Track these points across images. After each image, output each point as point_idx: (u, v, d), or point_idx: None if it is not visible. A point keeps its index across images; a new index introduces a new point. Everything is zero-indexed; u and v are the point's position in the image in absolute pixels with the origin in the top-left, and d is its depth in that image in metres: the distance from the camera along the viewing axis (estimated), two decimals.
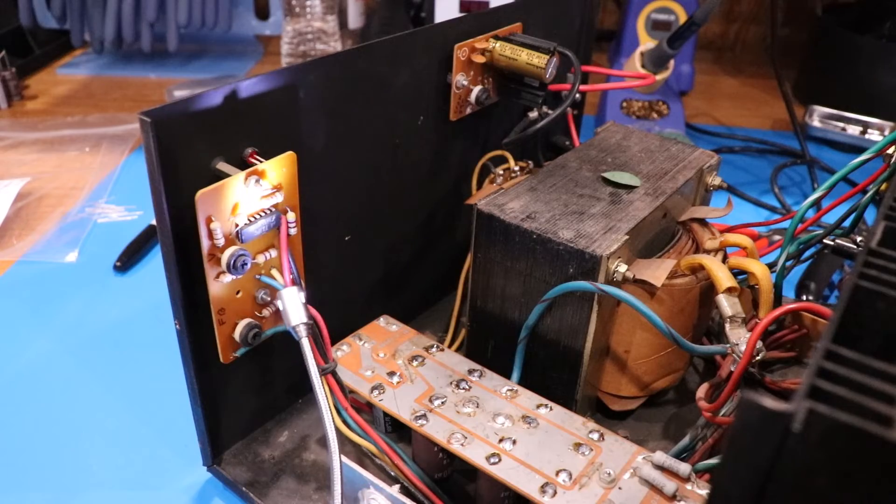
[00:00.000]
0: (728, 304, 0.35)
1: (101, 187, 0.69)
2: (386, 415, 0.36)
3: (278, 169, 0.31)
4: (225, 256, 0.30)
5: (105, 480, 0.39)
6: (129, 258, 0.58)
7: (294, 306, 0.31)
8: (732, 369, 0.33)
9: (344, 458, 0.33)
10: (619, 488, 0.31)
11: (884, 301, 0.23)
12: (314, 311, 0.33)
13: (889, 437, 0.15)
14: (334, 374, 0.33)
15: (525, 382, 0.37)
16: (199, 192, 0.29)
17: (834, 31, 0.87)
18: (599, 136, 0.46)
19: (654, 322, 0.34)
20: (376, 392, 0.36)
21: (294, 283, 0.32)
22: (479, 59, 0.42)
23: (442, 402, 0.35)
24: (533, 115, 0.46)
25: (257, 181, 0.30)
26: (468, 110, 0.43)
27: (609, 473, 0.31)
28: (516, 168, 0.45)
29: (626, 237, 0.35)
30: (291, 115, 0.33)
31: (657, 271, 0.35)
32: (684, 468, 0.31)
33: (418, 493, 0.34)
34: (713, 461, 0.33)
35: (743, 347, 0.33)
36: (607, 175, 0.40)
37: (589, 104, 0.85)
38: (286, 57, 0.94)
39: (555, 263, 0.35)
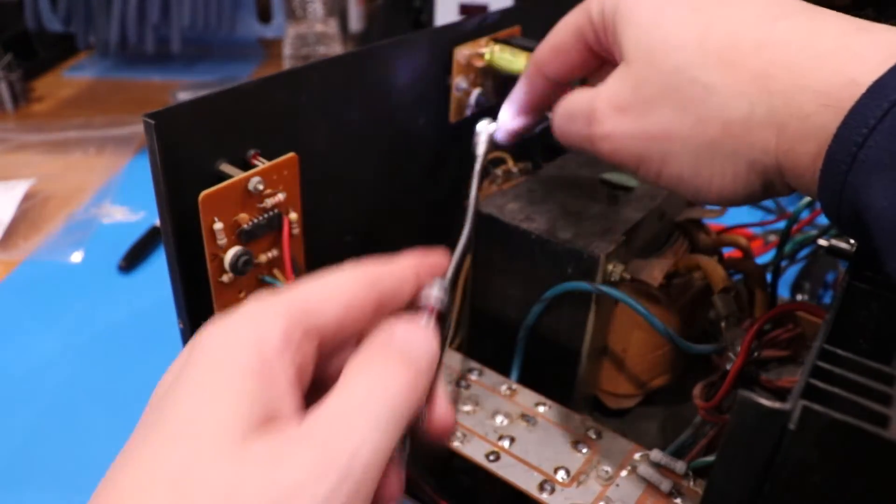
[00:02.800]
0: (724, 304, 0.36)
1: (105, 188, 0.70)
2: None
3: (280, 170, 0.32)
4: (228, 257, 0.31)
5: None
6: (134, 258, 0.58)
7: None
8: (728, 368, 0.34)
9: None
10: (617, 485, 0.31)
11: (877, 301, 0.23)
12: None
13: (883, 435, 0.16)
14: None
15: (524, 381, 0.37)
16: (203, 194, 0.29)
17: None
18: None
19: (651, 322, 0.34)
20: None
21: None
22: (479, 61, 0.42)
23: None
24: None
25: (260, 182, 0.31)
26: (468, 112, 0.44)
27: (607, 471, 0.32)
28: (515, 169, 0.45)
29: (624, 238, 0.35)
30: (293, 117, 0.34)
31: (654, 271, 0.36)
32: (681, 466, 0.32)
33: (418, 490, 0.34)
34: (709, 458, 0.33)
35: (738, 347, 0.34)
36: (605, 176, 0.40)
37: None
38: (288, 59, 0.95)
39: (553, 264, 0.36)
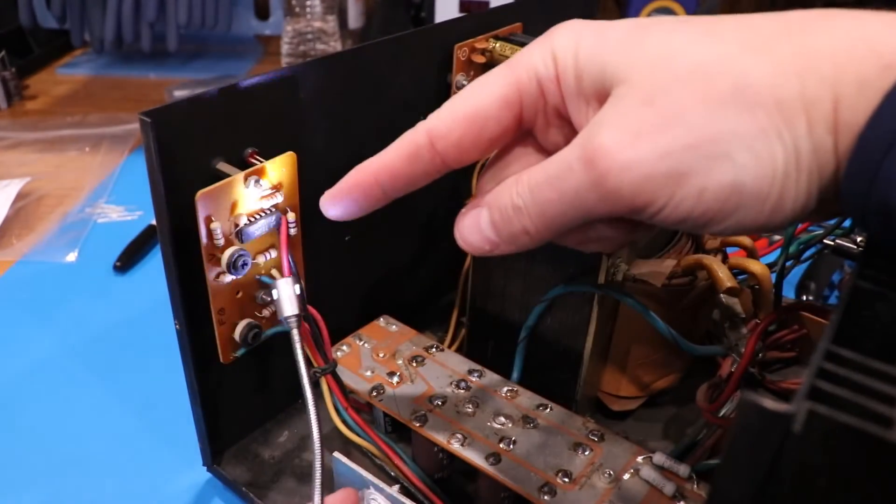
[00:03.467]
0: (728, 305, 0.36)
1: (101, 187, 0.69)
2: (386, 415, 0.36)
3: (278, 169, 0.31)
4: (225, 256, 0.30)
5: (105, 480, 0.39)
6: (129, 258, 0.58)
7: (288, 297, 0.30)
8: (732, 370, 0.33)
9: (344, 459, 0.33)
10: (619, 488, 0.31)
11: (883, 302, 0.23)
12: (314, 311, 0.33)
13: (889, 438, 0.15)
14: (334, 374, 0.33)
15: (525, 382, 0.37)
16: (200, 193, 0.29)
17: None
18: None
19: (654, 322, 0.34)
20: (376, 392, 0.36)
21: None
22: (480, 59, 0.42)
23: (442, 403, 0.35)
24: None
25: (257, 181, 0.30)
26: None
27: (609, 474, 0.31)
28: None
29: None
30: (291, 116, 0.33)
31: (657, 271, 0.35)
32: (684, 469, 0.31)
33: (418, 493, 0.34)
34: (713, 462, 0.33)
35: (743, 348, 0.33)
36: None
37: None
38: (286, 57, 0.94)
39: (555, 263, 0.35)
